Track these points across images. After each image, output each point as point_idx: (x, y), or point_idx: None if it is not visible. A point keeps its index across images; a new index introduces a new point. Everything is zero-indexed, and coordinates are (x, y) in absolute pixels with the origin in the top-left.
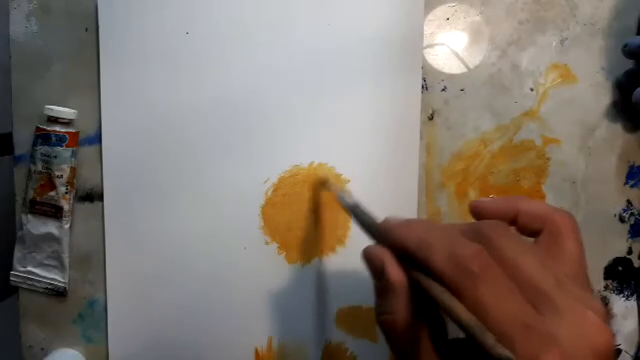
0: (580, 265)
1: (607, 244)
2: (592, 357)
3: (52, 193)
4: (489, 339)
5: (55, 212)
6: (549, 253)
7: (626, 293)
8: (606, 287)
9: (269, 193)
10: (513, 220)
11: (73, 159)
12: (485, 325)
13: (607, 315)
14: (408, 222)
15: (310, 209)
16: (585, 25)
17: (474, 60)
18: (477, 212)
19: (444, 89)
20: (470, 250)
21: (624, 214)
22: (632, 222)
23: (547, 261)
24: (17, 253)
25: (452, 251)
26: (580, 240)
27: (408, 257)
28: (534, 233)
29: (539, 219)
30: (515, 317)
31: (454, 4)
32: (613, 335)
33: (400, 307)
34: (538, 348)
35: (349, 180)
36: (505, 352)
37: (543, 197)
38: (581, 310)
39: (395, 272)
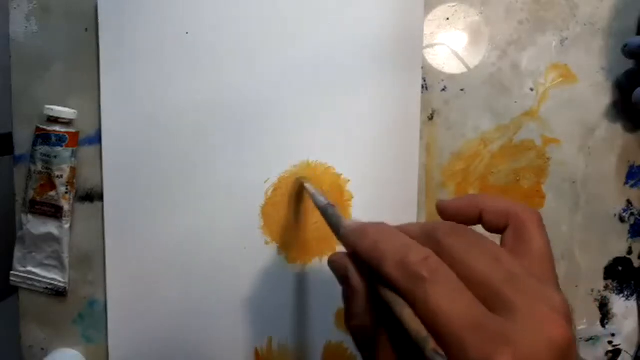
0: (545, 259)
1: (607, 244)
2: (548, 352)
3: (52, 193)
4: (428, 346)
5: (55, 212)
6: (513, 249)
7: (626, 293)
8: (606, 287)
9: (269, 193)
10: (479, 218)
11: (73, 159)
12: (436, 329)
13: (568, 309)
14: (363, 228)
15: (310, 209)
16: (585, 25)
17: (474, 60)
18: (442, 212)
19: (444, 89)
20: (420, 255)
21: (624, 214)
22: (632, 222)
23: (505, 257)
24: (17, 253)
25: (401, 257)
26: (545, 234)
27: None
28: (499, 230)
29: (503, 215)
30: (466, 318)
31: (454, 4)
32: (571, 329)
33: (360, 313)
34: (490, 348)
35: (349, 180)
36: (443, 357)
37: (543, 197)
38: (536, 305)
39: (353, 279)
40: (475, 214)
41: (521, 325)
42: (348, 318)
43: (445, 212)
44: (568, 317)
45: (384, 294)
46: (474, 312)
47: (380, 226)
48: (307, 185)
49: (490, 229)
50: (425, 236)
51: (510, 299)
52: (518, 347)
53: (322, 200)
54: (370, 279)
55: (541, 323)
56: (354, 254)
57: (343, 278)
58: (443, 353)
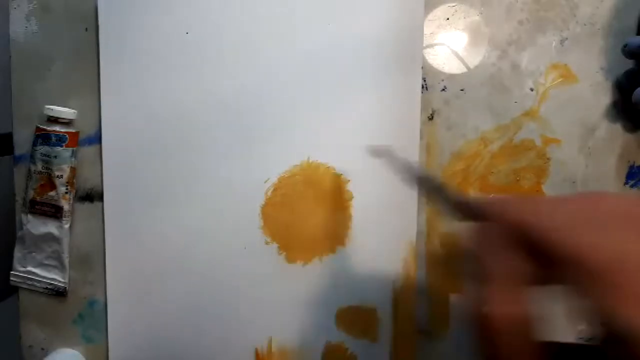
0: None
1: None
2: None
3: (52, 193)
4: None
5: (55, 212)
6: None
7: None
8: None
9: (269, 193)
10: None
11: (73, 159)
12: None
13: None
14: (525, 200)
15: (310, 209)
16: (585, 25)
17: (474, 60)
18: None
19: (444, 89)
20: (612, 240)
21: None
22: None
23: None
24: (17, 253)
25: (575, 240)
26: None
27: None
28: None
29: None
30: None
31: (454, 4)
32: None
33: (520, 297)
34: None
35: (349, 180)
36: None
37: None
38: None
39: (507, 257)
40: None
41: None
42: (495, 304)
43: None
44: None
45: (558, 274)
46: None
47: (528, 197)
48: (413, 162)
49: None
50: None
51: None
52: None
53: (434, 178)
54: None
55: None
56: (508, 229)
57: (482, 258)
58: None
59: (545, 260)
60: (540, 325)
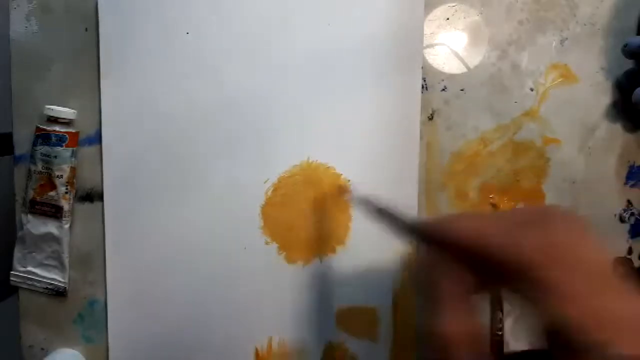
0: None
1: (607, 244)
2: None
3: (52, 193)
4: (586, 333)
5: (55, 212)
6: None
7: None
8: None
9: (269, 193)
10: None
11: (73, 159)
12: (561, 315)
13: None
14: (455, 217)
15: (310, 209)
16: (585, 25)
17: (474, 60)
18: None
19: (444, 89)
20: (535, 239)
21: (624, 214)
22: (632, 222)
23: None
24: (17, 253)
25: (513, 243)
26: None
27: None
28: None
29: None
30: (588, 305)
31: (454, 4)
32: None
33: (460, 315)
34: (610, 333)
35: (349, 180)
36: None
37: (543, 197)
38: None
39: (451, 277)
40: None
41: (632, 311)
42: (443, 324)
43: None
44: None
45: (505, 286)
46: (598, 302)
47: (469, 213)
48: (353, 187)
49: None
50: (532, 217)
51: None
52: (630, 331)
53: (377, 202)
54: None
55: None
56: (444, 247)
57: (429, 281)
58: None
59: (489, 271)
60: (490, 336)
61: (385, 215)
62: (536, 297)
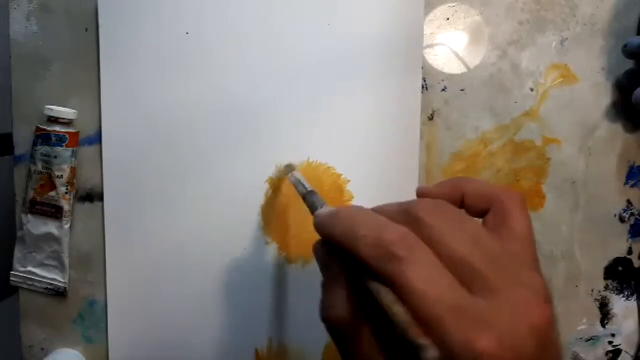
0: (526, 242)
1: (607, 244)
2: (529, 334)
3: (52, 193)
4: (410, 332)
5: (55, 212)
6: (494, 231)
7: (626, 293)
8: (606, 287)
9: (269, 193)
10: (461, 202)
11: (73, 159)
12: (415, 312)
13: (548, 291)
14: (335, 212)
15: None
16: (585, 25)
17: (474, 60)
18: (423, 197)
19: (444, 89)
20: (395, 233)
21: (624, 214)
22: (632, 222)
23: (485, 238)
24: (17, 253)
25: (376, 237)
26: (527, 216)
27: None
28: (482, 213)
29: (485, 198)
30: (446, 299)
31: (454, 4)
32: (551, 309)
33: (338, 302)
34: (471, 330)
35: (349, 180)
36: (426, 345)
37: (543, 197)
38: (516, 288)
39: (332, 267)
40: (457, 198)
41: (501, 308)
42: (324, 308)
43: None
44: (548, 298)
45: (365, 280)
46: (453, 295)
47: (353, 208)
48: (291, 173)
49: (472, 212)
50: (403, 214)
51: (491, 281)
52: (499, 330)
53: (303, 187)
54: (347, 266)
55: (521, 306)
56: (329, 241)
57: (321, 266)
58: (427, 341)
59: (361, 265)
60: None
61: (306, 200)
62: (381, 291)
